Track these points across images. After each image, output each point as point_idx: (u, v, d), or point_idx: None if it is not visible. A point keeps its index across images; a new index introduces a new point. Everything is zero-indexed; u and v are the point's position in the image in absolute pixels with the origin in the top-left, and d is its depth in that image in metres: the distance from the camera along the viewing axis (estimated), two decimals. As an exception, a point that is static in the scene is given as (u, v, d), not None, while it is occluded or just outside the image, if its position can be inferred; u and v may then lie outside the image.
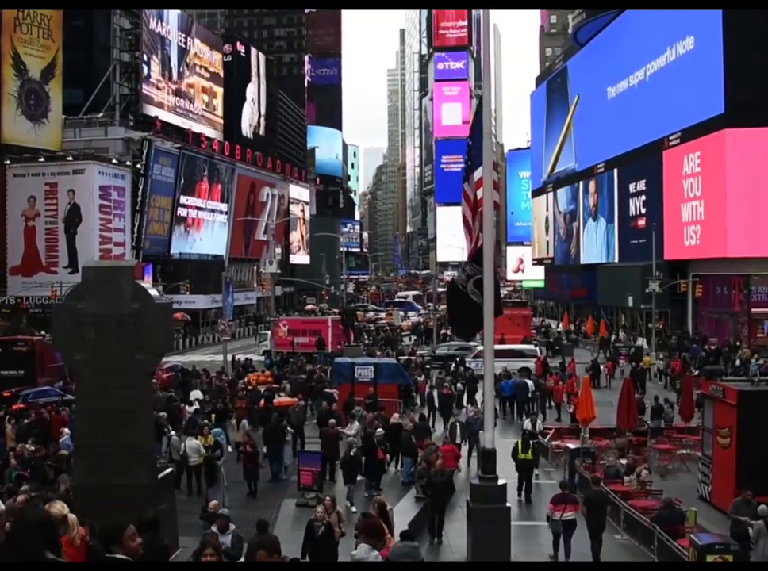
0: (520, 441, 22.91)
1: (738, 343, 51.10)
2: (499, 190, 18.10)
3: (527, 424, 27.32)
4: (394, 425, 25.82)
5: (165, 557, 10.57)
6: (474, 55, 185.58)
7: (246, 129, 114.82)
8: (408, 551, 12.80)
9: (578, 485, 22.85)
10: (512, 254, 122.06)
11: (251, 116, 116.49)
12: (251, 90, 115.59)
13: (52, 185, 67.94)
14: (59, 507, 10.94)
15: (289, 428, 26.54)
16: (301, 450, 25.90)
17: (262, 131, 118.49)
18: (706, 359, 46.14)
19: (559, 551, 18.07)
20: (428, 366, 44.71)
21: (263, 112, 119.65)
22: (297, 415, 28.58)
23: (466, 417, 27.50)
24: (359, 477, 22.52)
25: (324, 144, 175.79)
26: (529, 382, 36.58)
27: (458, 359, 45.82)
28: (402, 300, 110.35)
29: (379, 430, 25.06)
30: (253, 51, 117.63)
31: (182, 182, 79.96)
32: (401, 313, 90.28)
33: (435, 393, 35.23)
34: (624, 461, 23.85)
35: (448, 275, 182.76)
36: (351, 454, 22.28)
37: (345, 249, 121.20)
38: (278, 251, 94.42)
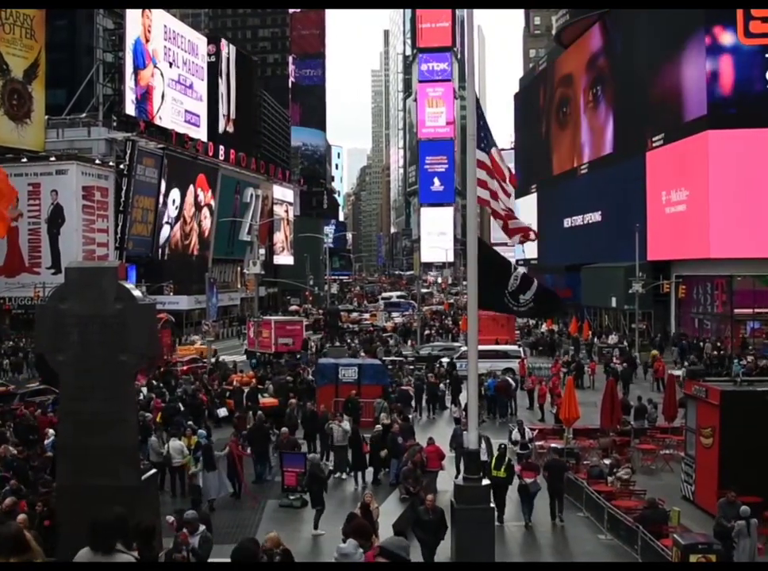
0: (494, 457, 21.51)
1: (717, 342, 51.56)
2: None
3: (515, 434, 26.09)
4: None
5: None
6: (458, 56, 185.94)
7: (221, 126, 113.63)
8: (405, 546, 12.66)
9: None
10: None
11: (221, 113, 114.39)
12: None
13: (35, 186, 67.71)
14: None
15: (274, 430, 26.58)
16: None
17: (231, 128, 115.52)
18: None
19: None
20: (411, 367, 44.79)
21: (232, 108, 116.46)
22: (295, 416, 28.60)
23: (453, 428, 27.14)
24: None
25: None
26: (510, 380, 37.23)
27: (441, 360, 46.36)
28: (400, 300, 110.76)
29: (378, 426, 25.10)
30: (224, 46, 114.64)
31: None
32: (386, 314, 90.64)
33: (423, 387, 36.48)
34: (607, 462, 23.93)
35: (432, 275, 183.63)
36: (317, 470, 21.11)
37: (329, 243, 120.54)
38: (262, 251, 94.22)
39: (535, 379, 39.64)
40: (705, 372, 38.07)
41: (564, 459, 23.78)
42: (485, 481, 16.11)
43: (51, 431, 23.70)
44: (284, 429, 25.21)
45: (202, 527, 14.21)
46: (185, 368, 45.20)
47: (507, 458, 21.50)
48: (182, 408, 30.05)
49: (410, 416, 32.31)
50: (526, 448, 24.60)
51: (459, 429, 25.36)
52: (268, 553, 12.61)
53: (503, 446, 22.31)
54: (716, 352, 48.26)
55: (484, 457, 22.13)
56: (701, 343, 51.50)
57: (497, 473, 20.89)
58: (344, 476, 24.99)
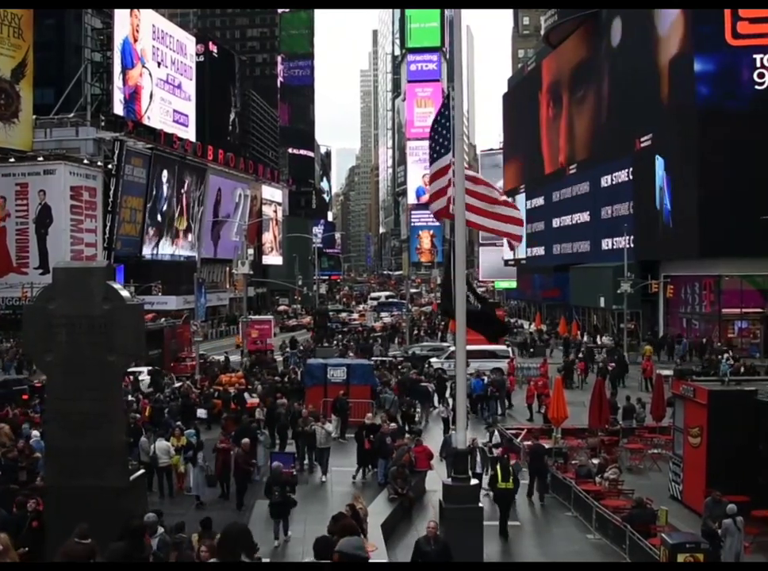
0: (498, 467, 20.81)
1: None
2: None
3: (496, 438, 25.91)
4: (367, 425, 25.78)
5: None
6: (447, 56, 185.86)
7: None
8: (361, 545, 12.48)
9: (551, 485, 22.99)
10: (485, 255, 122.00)
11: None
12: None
13: (23, 186, 67.44)
14: None
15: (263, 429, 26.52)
16: (280, 450, 25.83)
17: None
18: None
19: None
20: (400, 367, 44.84)
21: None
22: (285, 415, 28.58)
23: (444, 436, 26.89)
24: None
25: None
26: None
27: (429, 360, 46.52)
28: (390, 300, 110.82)
29: (392, 425, 25.04)
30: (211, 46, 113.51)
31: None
32: (375, 314, 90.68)
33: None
34: (595, 461, 23.99)
35: (423, 275, 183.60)
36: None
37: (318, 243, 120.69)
38: (251, 251, 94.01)
39: (514, 380, 39.92)
40: (694, 371, 38.20)
41: (546, 447, 24.73)
42: (474, 481, 16.11)
43: (35, 432, 23.61)
44: (245, 440, 22.98)
45: (161, 530, 14.08)
46: (193, 363, 45.34)
47: (511, 468, 20.93)
48: (169, 408, 30.00)
49: (419, 412, 32.98)
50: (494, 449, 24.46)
51: (450, 437, 24.56)
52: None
53: (505, 456, 22.20)
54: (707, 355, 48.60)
55: (479, 468, 22.48)
56: (703, 341, 52.06)
57: (506, 484, 20.30)
58: (324, 478, 24.76)
